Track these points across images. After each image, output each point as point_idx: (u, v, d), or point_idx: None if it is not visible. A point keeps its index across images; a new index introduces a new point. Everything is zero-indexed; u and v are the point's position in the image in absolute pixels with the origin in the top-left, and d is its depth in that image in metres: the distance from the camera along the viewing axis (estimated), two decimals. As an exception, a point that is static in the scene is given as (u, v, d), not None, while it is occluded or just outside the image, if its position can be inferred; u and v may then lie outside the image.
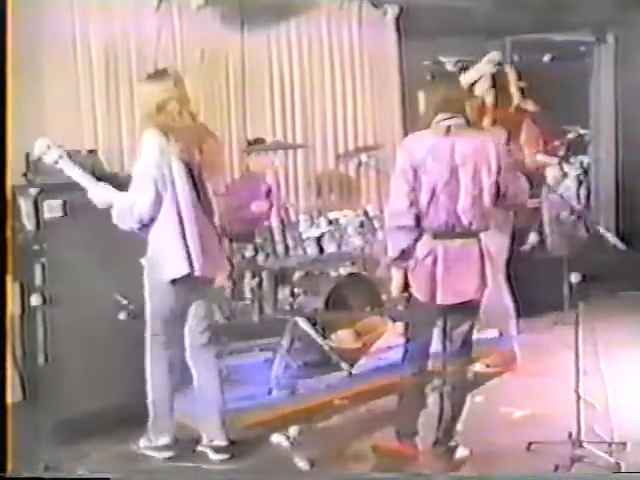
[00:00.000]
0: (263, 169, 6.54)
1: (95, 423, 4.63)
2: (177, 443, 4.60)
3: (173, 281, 4.37)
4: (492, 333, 6.28)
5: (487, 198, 4.30)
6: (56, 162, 4.49)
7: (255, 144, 6.55)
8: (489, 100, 5.80)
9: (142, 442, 4.59)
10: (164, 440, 4.56)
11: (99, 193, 4.47)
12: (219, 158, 4.68)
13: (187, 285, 4.41)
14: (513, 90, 6.04)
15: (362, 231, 6.25)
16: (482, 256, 4.32)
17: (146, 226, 4.35)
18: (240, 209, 6.32)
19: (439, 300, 4.31)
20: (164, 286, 4.39)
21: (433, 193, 4.27)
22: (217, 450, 4.57)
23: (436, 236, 4.28)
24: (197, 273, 4.36)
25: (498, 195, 4.33)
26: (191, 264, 4.34)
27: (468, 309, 4.40)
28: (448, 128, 4.31)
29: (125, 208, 4.35)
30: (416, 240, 4.29)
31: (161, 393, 4.53)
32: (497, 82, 5.87)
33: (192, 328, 4.57)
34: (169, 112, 4.39)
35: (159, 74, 4.58)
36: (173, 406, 4.56)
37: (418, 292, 4.34)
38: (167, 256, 4.36)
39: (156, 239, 4.37)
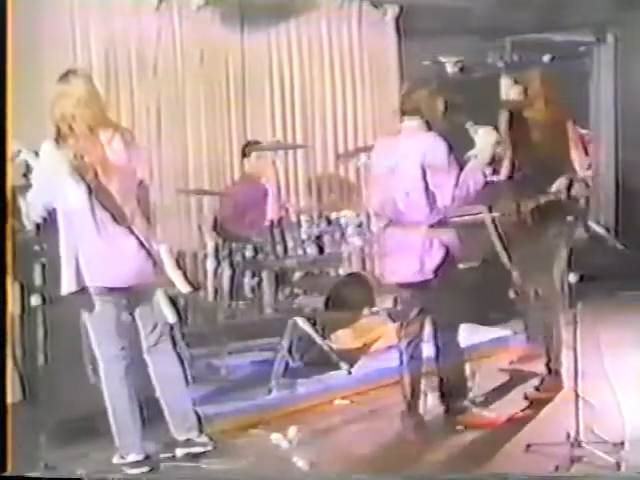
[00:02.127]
0: (262, 172, 6.53)
1: (95, 423, 4.62)
2: (154, 454, 4.51)
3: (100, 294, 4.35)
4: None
5: (419, 196, 4.70)
6: (17, 155, 4.45)
7: (252, 146, 6.55)
8: None
9: (115, 459, 4.48)
10: (134, 457, 4.44)
11: None
12: (126, 159, 4.37)
13: (113, 296, 4.38)
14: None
15: (362, 231, 6.24)
16: (423, 246, 4.71)
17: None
18: (238, 212, 6.31)
19: (384, 278, 5.15)
20: (95, 296, 4.37)
21: (385, 187, 4.85)
22: (188, 444, 4.53)
23: (390, 224, 4.88)
24: (90, 284, 4.33)
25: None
26: (79, 279, 4.32)
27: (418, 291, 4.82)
28: (399, 130, 4.85)
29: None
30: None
31: (120, 405, 4.44)
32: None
33: (143, 333, 4.57)
34: (66, 116, 4.29)
35: (65, 75, 4.41)
36: (137, 417, 4.47)
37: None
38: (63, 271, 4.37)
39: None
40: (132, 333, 4.51)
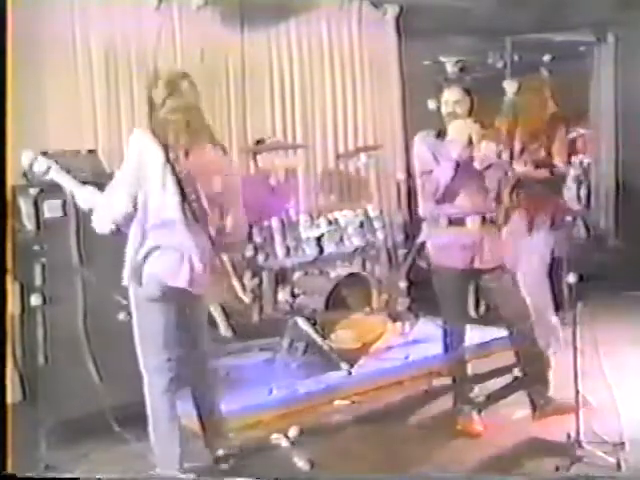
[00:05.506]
0: (270, 169, 6.54)
1: (95, 423, 4.63)
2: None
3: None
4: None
5: None
6: (46, 172, 4.37)
7: (257, 144, 6.57)
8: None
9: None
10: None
11: (85, 197, 4.27)
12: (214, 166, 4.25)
13: (172, 299, 4.21)
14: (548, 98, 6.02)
15: (362, 231, 6.25)
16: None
17: (120, 230, 4.16)
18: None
19: None
20: (145, 301, 4.21)
21: None
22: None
23: None
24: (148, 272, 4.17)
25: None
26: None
27: None
28: None
29: (103, 210, 4.18)
30: None
31: (161, 421, 4.26)
32: (531, 88, 5.91)
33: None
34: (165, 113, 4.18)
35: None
36: (177, 433, 4.27)
37: None
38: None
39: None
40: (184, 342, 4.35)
